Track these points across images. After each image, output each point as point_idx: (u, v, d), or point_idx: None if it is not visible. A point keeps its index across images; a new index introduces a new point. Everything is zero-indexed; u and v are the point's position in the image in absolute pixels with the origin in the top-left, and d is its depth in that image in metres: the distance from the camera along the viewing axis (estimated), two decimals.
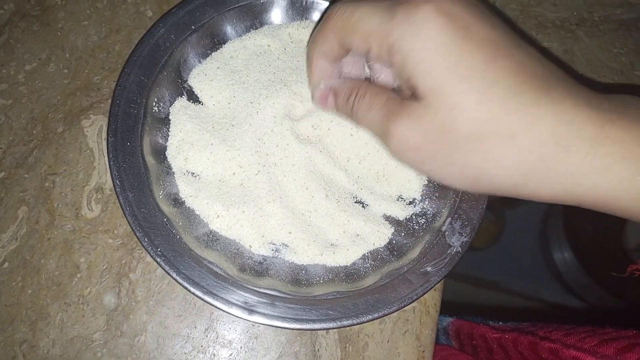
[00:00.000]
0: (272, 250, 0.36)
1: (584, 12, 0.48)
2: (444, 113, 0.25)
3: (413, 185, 0.39)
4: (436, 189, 0.39)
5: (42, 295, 0.34)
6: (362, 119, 0.30)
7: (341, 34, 0.29)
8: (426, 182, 0.39)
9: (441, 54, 0.25)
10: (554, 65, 0.27)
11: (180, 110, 0.37)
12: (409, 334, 0.37)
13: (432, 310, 0.38)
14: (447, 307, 0.47)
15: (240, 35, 0.40)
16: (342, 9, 0.29)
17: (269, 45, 0.40)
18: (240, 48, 0.40)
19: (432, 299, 0.38)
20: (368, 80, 0.34)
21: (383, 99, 0.29)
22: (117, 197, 0.33)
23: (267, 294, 0.33)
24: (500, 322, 0.45)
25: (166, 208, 0.34)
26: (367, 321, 0.33)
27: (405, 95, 0.28)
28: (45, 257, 0.35)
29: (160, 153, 0.36)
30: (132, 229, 0.33)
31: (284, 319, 0.33)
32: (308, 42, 0.39)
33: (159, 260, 0.32)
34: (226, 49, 0.40)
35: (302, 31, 0.41)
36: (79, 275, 0.35)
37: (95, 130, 0.38)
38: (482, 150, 0.25)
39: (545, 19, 0.48)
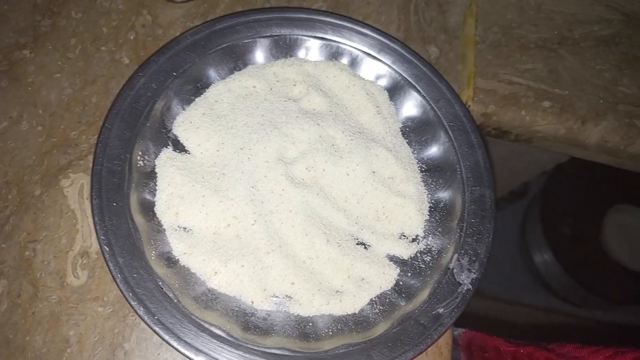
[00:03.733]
0: (276, 303, 0.34)
1: (565, 31, 0.49)
2: None
3: (414, 221, 0.37)
4: (439, 224, 0.38)
5: None
6: None
7: None
8: (427, 217, 0.38)
9: None
10: None
11: (166, 162, 0.35)
12: None
13: (445, 350, 0.36)
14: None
15: (223, 78, 0.39)
16: None
17: (254, 87, 0.39)
18: (225, 91, 0.38)
19: (444, 338, 0.37)
20: None
21: None
22: (107, 264, 0.31)
23: (275, 354, 0.31)
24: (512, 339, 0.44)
25: (160, 270, 0.32)
26: None
27: None
28: (30, 334, 0.32)
29: (148, 210, 0.34)
30: (124, 297, 0.30)
31: None
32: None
33: (157, 329, 0.30)
34: (210, 93, 0.38)
35: (287, 69, 0.40)
36: (69, 350, 0.32)
37: (75, 190, 0.35)
38: None
39: (528, 40, 0.47)
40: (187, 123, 0.36)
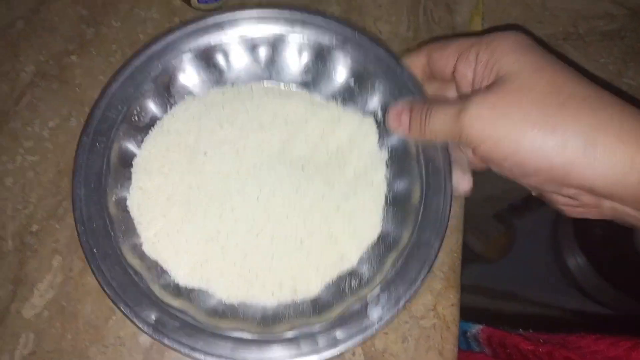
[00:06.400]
0: (197, 281, 0.36)
1: (569, 27, 0.51)
2: (520, 85, 0.30)
3: (354, 252, 0.38)
4: (378, 256, 0.38)
5: (80, 339, 0.36)
6: (433, 129, 0.34)
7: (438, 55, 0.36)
8: (367, 250, 0.38)
9: (528, 51, 0.32)
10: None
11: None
12: (432, 350, 0.38)
13: (452, 325, 0.39)
14: (472, 314, 0.47)
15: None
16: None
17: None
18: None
19: (451, 314, 0.39)
20: None
21: (454, 102, 0.33)
22: (72, 190, 0.35)
23: (177, 317, 0.34)
24: (531, 330, 0.44)
25: (113, 210, 0.36)
26: None
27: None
28: (81, 303, 0.37)
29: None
30: (76, 227, 0.34)
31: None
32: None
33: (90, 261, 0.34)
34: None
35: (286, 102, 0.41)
36: (114, 318, 0.36)
37: None
38: (558, 114, 0.29)
39: (533, 37, 0.50)
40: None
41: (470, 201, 0.64)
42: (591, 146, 0.28)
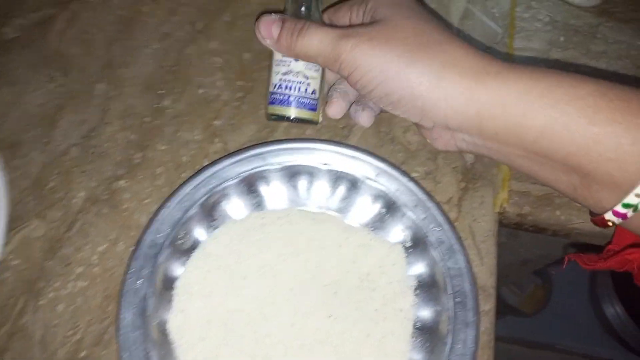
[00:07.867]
0: None
1: None
2: (392, 27, 0.36)
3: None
4: None
5: None
6: (307, 43, 0.37)
7: None
8: None
9: (400, 4, 0.38)
10: None
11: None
12: None
13: None
14: None
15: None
16: None
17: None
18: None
19: None
20: None
21: (330, 27, 0.38)
22: (117, 316, 0.38)
23: None
24: None
25: (154, 334, 0.38)
26: None
27: None
28: None
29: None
30: (120, 354, 0.37)
31: None
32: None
33: None
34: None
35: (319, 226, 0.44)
36: None
37: None
38: (419, 51, 0.35)
39: None
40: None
41: (507, 264, 0.64)
42: (440, 80, 0.34)
